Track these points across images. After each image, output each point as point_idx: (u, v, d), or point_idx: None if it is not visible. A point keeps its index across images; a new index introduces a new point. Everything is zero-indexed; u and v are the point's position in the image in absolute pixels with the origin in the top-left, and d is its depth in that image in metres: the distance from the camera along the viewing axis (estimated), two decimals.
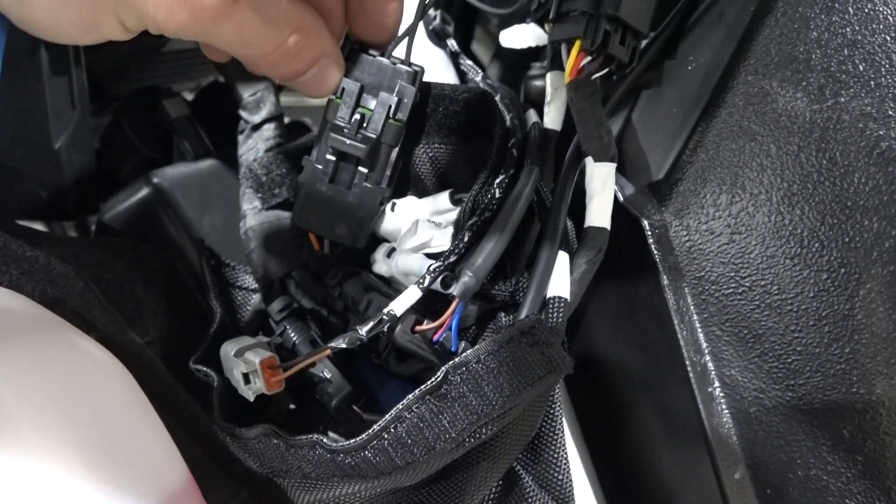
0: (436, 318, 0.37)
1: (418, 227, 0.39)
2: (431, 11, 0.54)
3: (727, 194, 0.36)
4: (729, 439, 0.36)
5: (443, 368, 0.33)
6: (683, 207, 0.38)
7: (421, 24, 0.51)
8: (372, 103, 0.39)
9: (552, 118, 0.42)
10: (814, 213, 0.32)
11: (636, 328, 0.42)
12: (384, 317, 0.35)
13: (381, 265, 0.42)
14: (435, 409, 0.33)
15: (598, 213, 0.38)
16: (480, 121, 0.41)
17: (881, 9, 0.30)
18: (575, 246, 0.39)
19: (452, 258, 0.36)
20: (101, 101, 0.63)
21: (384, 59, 0.39)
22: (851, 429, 0.32)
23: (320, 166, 0.39)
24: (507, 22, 0.53)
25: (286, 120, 0.53)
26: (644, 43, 0.40)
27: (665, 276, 0.38)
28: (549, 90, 0.43)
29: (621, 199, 0.40)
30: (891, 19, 0.30)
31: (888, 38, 0.30)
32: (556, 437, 0.39)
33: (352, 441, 0.34)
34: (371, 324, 0.35)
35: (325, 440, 0.34)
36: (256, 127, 0.48)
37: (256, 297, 0.47)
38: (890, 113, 0.30)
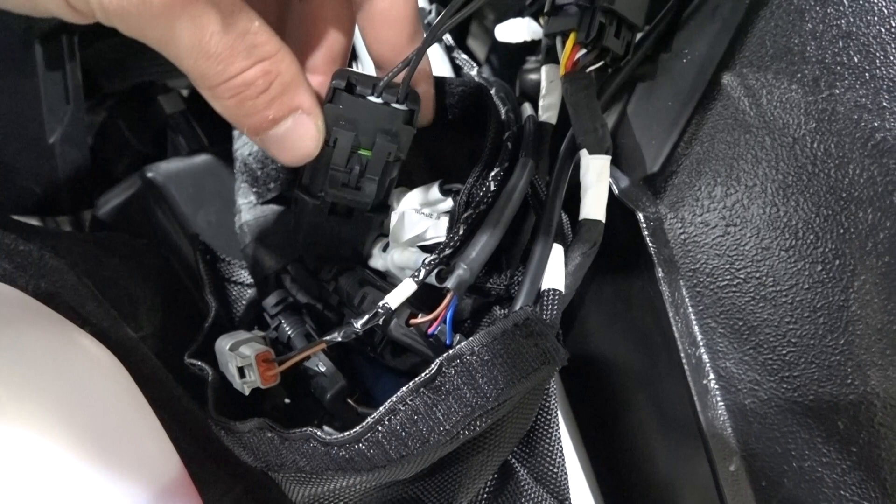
0: (431, 311, 0.36)
1: (406, 218, 0.39)
2: (426, 5, 0.54)
3: (722, 186, 0.36)
4: (724, 431, 0.36)
5: (437, 360, 0.33)
6: (678, 200, 0.38)
7: None
8: (367, 142, 0.36)
9: (547, 111, 0.42)
10: (808, 205, 0.32)
11: (631, 321, 0.42)
12: (379, 310, 0.35)
13: (377, 259, 0.41)
14: (429, 401, 0.33)
15: (593, 206, 0.37)
16: (475, 114, 0.41)
17: (876, 0, 0.30)
18: (570, 239, 0.39)
19: (448, 251, 0.36)
20: (96, 98, 0.63)
21: (376, 100, 0.35)
22: (846, 420, 0.32)
23: (317, 202, 0.38)
24: (502, 17, 0.53)
25: None
26: (639, 36, 0.40)
27: (660, 269, 0.38)
28: (543, 83, 0.43)
29: (616, 191, 0.40)
30: (885, 11, 0.30)
31: (882, 30, 0.30)
32: (551, 430, 0.39)
33: (346, 434, 0.33)
34: (366, 317, 0.35)
35: (319, 433, 0.34)
36: None
37: (251, 292, 0.47)
38: (884, 104, 0.30)
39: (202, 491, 0.35)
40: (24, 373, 0.29)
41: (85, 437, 0.29)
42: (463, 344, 0.33)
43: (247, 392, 0.37)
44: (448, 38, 0.53)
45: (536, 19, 0.50)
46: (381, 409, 0.33)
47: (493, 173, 0.38)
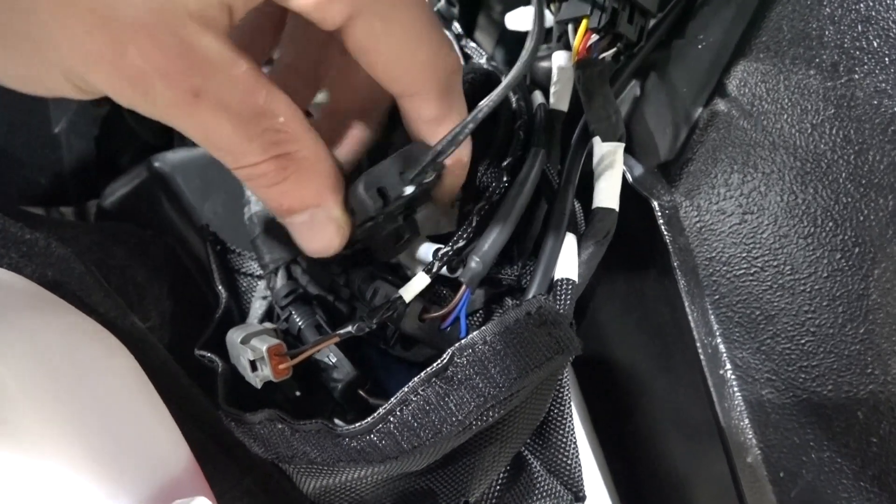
0: (441, 303, 0.36)
1: None
2: None
3: (738, 174, 0.35)
4: (740, 422, 0.36)
5: (448, 351, 0.32)
6: (694, 188, 0.37)
7: None
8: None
9: (558, 99, 0.41)
10: (827, 192, 0.32)
11: (645, 311, 0.41)
12: (393, 304, 0.34)
13: None
14: (441, 391, 0.32)
15: (607, 195, 0.37)
16: None
17: None
18: (582, 228, 0.39)
19: (460, 243, 0.36)
20: None
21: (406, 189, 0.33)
22: (866, 410, 0.31)
23: None
24: (509, 7, 0.52)
25: None
26: (652, 22, 0.39)
27: (675, 258, 0.37)
28: (554, 70, 0.42)
29: (630, 179, 0.39)
30: None
31: None
32: (564, 421, 0.39)
33: (357, 425, 0.33)
34: (380, 311, 0.34)
35: (330, 425, 0.34)
36: None
37: (261, 284, 0.46)
38: None
39: (211, 483, 0.34)
40: (31, 361, 0.29)
41: (93, 425, 0.29)
42: (475, 333, 0.33)
43: (259, 385, 0.36)
44: (457, 26, 0.53)
45: (548, 6, 0.49)
46: (392, 400, 0.33)
47: (505, 163, 0.38)
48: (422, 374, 0.32)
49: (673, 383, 0.40)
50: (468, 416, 0.32)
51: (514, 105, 0.40)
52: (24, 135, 0.47)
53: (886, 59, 0.30)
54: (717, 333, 0.36)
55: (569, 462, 0.39)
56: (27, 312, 0.31)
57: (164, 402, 0.34)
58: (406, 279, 0.36)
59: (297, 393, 0.41)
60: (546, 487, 0.39)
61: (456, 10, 0.53)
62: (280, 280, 0.43)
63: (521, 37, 0.51)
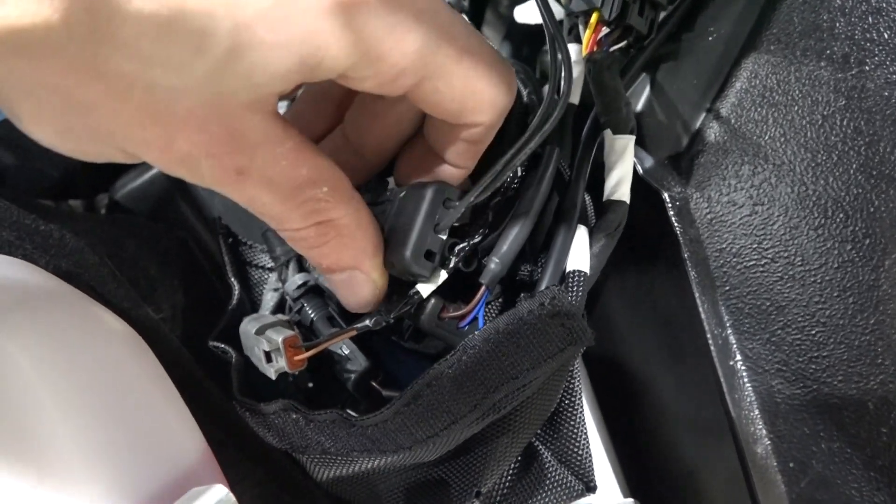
0: (456, 298, 0.36)
1: None
2: None
3: (749, 165, 0.35)
4: (750, 413, 0.36)
5: (462, 343, 0.33)
6: (704, 179, 0.37)
7: None
8: None
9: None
10: (838, 184, 0.32)
11: (655, 302, 0.41)
12: (410, 298, 0.35)
13: None
14: (454, 382, 0.32)
15: (618, 187, 0.37)
16: None
17: None
18: (593, 220, 0.39)
19: (477, 238, 0.36)
20: None
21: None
22: (876, 401, 0.32)
23: None
24: (517, 1, 0.52)
25: None
26: (663, 14, 0.40)
27: (686, 249, 0.37)
28: None
29: (641, 171, 0.39)
30: None
31: None
32: (575, 411, 0.39)
33: (373, 415, 0.33)
34: (398, 306, 0.34)
35: (345, 414, 0.34)
36: None
37: (273, 276, 0.46)
38: None
39: (224, 473, 0.35)
40: (47, 348, 0.29)
41: (109, 412, 0.29)
42: (488, 325, 0.33)
43: (274, 377, 0.37)
44: (465, 19, 0.53)
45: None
46: (406, 390, 0.33)
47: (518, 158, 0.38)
48: (435, 365, 0.33)
49: (683, 374, 0.40)
50: (480, 406, 0.32)
51: (525, 98, 0.40)
52: None
53: None
54: (728, 325, 0.36)
55: (579, 452, 0.39)
56: (42, 301, 0.31)
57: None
58: None
59: (310, 384, 0.42)
60: (557, 477, 0.39)
61: (466, 4, 0.53)
62: (292, 272, 0.43)
63: (529, 30, 0.52)
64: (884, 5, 0.30)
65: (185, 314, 0.43)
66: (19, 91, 0.25)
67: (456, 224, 0.34)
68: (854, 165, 0.31)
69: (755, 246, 0.35)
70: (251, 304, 0.46)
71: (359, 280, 0.33)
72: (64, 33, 0.22)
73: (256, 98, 0.26)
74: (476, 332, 0.33)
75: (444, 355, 0.33)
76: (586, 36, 0.39)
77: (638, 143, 0.39)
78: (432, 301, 0.35)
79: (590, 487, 0.39)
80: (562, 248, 0.36)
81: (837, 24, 0.32)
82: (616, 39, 0.39)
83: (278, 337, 0.36)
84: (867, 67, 0.31)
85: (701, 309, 0.37)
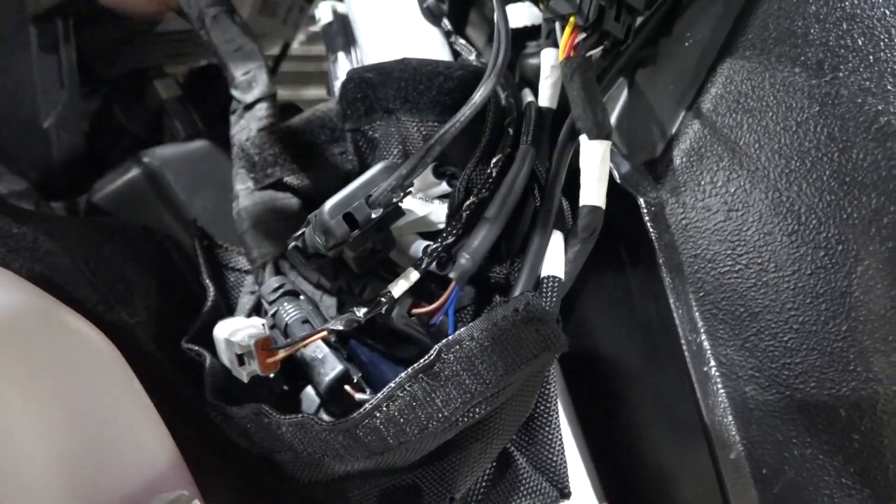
0: (430, 299, 0.36)
1: (404, 203, 0.38)
2: None
3: (724, 171, 0.35)
4: (724, 419, 0.36)
5: (436, 346, 0.32)
6: (679, 185, 0.37)
7: (415, 0, 0.50)
8: None
9: (547, 96, 0.41)
10: (812, 190, 0.32)
11: (631, 308, 0.41)
12: (382, 299, 0.35)
13: None
14: (428, 387, 0.32)
15: (593, 192, 0.37)
16: None
17: None
18: (570, 225, 0.39)
19: (450, 239, 0.36)
20: (91, 84, 0.62)
21: None
22: (848, 407, 0.32)
23: None
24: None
25: None
26: (640, 19, 0.39)
27: (661, 255, 0.37)
28: (543, 68, 0.42)
29: (617, 177, 0.39)
30: None
31: (887, 12, 0.29)
32: (550, 417, 0.39)
33: (343, 420, 0.33)
34: (369, 307, 0.34)
35: (315, 419, 0.34)
36: (249, 106, 0.47)
37: (249, 279, 0.46)
38: (889, 88, 0.29)
39: (197, 477, 0.34)
40: (15, 355, 0.28)
41: (77, 420, 0.29)
42: (462, 330, 0.33)
43: (246, 379, 0.36)
44: (446, 22, 0.53)
45: (537, 4, 0.49)
46: (379, 395, 0.33)
47: (494, 160, 0.38)
48: (409, 369, 0.33)
49: (658, 380, 0.40)
50: (455, 412, 0.32)
51: (503, 102, 0.40)
52: (12, 127, 0.46)
53: (871, 57, 0.30)
54: (702, 330, 0.36)
55: (554, 459, 0.39)
56: (12, 307, 0.31)
57: (150, 396, 0.34)
58: (396, 275, 0.36)
59: (285, 387, 0.41)
60: (532, 484, 0.39)
61: (445, 6, 0.53)
62: (268, 275, 0.43)
63: (513, 31, 0.51)
64: (858, 12, 0.30)
65: (161, 317, 0.43)
66: None
67: (392, 203, 0.35)
68: (827, 172, 0.31)
69: (729, 252, 0.35)
70: (227, 306, 0.46)
71: None
72: None
73: None
74: (451, 337, 0.33)
75: (419, 359, 0.33)
76: (563, 41, 0.39)
77: (614, 147, 0.39)
78: (404, 300, 0.35)
79: (564, 494, 0.39)
80: (537, 253, 0.36)
81: (812, 31, 0.32)
82: (593, 45, 0.39)
83: (250, 340, 0.35)
84: (841, 74, 0.31)
85: (675, 315, 0.37)
